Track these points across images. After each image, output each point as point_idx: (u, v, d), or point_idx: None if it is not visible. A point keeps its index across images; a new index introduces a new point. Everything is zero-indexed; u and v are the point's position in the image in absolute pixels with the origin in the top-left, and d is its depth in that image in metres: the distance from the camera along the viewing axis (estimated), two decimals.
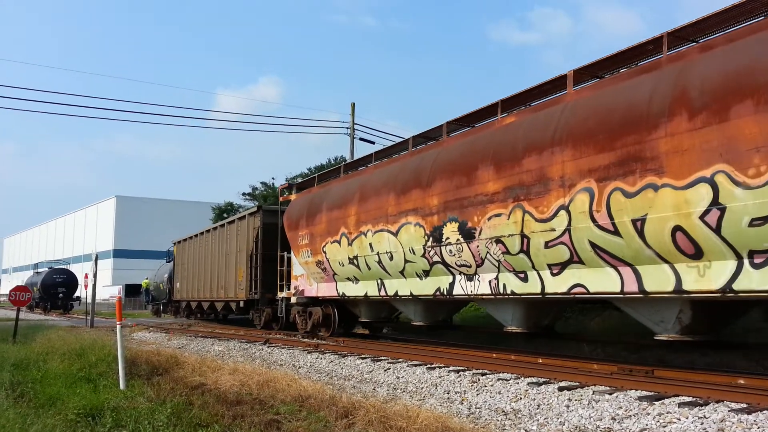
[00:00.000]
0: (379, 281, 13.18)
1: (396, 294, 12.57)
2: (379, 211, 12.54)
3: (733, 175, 6.63)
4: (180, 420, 6.14)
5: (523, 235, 9.22)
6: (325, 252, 14.63)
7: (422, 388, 8.89)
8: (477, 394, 8.11)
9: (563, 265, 8.90)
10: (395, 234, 12.07)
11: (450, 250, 10.77)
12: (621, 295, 8.24)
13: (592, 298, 8.88)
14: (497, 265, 9.93)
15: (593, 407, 6.86)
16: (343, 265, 14.03)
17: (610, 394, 7.31)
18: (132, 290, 55.50)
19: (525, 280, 9.64)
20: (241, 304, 20.20)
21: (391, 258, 12.31)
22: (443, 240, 10.82)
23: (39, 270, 61.73)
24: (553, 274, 9.07)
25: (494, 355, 10.94)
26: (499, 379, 8.69)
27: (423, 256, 11.43)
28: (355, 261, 13.54)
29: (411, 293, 12.09)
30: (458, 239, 10.48)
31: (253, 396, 7.53)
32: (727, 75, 6.86)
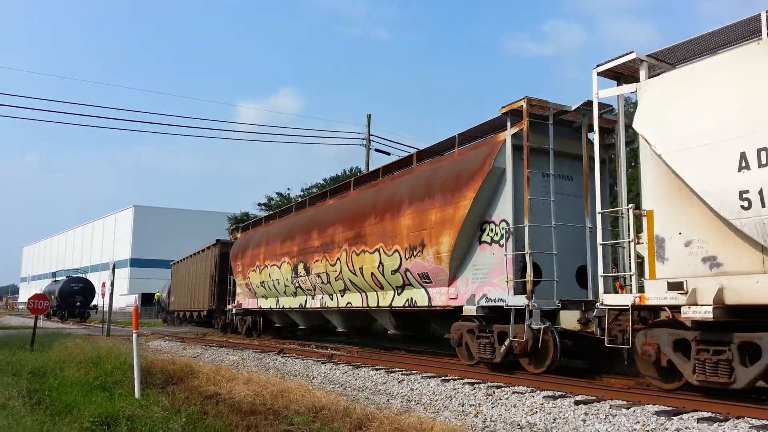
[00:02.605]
0: (276, 298, 19.63)
1: (284, 307, 19.09)
2: (273, 252, 19.10)
3: (385, 248, 13.08)
4: (194, 429, 6.25)
5: (327, 273, 15.66)
6: (249, 277, 21.16)
7: (436, 401, 8.96)
8: (492, 407, 8.15)
9: (343, 291, 15.36)
10: (279, 268, 18.54)
11: (302, 281, 17.20)
12: (362, 308, 14.59)
13: (354, 309, 15.09)
14: (321, 290, 16.42)
15: (610, 422, 6.85)
16: (258, 287, 20.57)
17: (627, 408, 7.33)
18: (148, 299, 56.96)
19: (332, 299, 15.97)
20: (205, 313, 27.48)
21: (278, 283, 18.86)
22: (299, 274, 17.28)
23: (57, 279, 63.02)
24: (341, 296, 15.52)
25: None
26: (514, 392, 8.78)
27: (291, 283, 17.94)
28: (263, 284, 20.07)
29: (290, 307, 18.58)
30: (304, 273, 16.92)
31: (267, 406, 7.66)
32: (387, 198, 13.37)
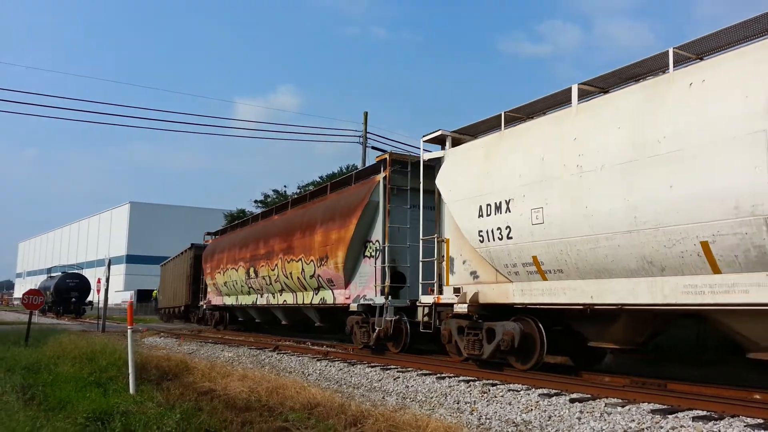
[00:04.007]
0: (236, 296, 24.40)
1: (241, 303, 23.84)
2: (233, 257, 23.89)
3: (305, 258, 17.66)
4: (189, 425, 6.49)
5: (269, 276, 20.32)
6: (216, 278, 26.11)
7: (432, 398, 9.38)
8: (487, 405, 8.54)
9: (281, 291, 20.06)
10: (237, 270, 23.34)
11: (253, 282, 21.93)
12: (294, 305, 19.14)
13: (289, 306, 19.63)
14: (267, 290, 21.07)
15: (605, 420, 7.23)
16: (223, 286, 25.47)
17: (623, 406, 7.73)
18: (144, 296, 60.09)
19: (274, 297, 20.68)
20: (183, 308, 32.90)
21: (237, 284, 23.65)
22: (250, 276, 22.01)
23: (53, 274, 65.51)
24: (280, 295, 20.21)
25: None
26: (509, 390, 9.25)
27: (246, 283, 22.64)
28: (226, 284, 24.95)
29: (246, 303, 23.30)
30: (254, 276, 21.63)
31: (262, 403, 7.93)
32: (308, 218, 18.07)
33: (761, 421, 6.77)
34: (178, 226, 79.29)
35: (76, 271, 59.45)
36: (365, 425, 6.45)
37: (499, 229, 10.41)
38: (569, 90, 9.98)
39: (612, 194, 8.51)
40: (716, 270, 7.51)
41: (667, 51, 8.51)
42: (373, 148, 33.13)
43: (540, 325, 10.44)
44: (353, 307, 15.25)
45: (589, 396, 8.53)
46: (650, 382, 9.14)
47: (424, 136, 12.89)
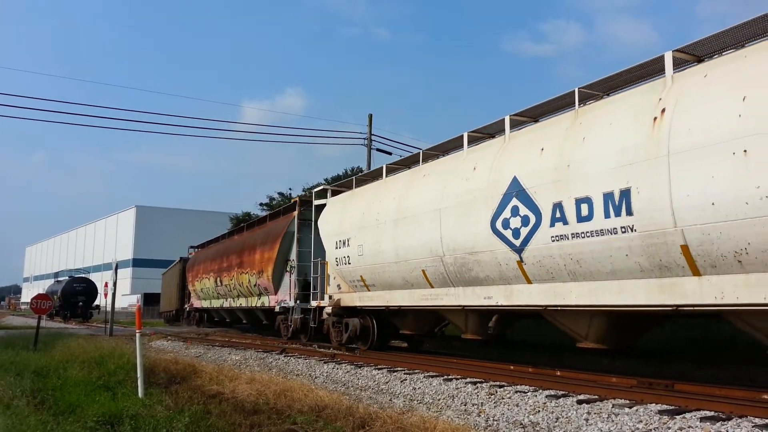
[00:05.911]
0: (210, 300, 32.30)
1: (213, 306, 31.74)
2: (207, 268, 31.73)
3: (251, 271, 25.35)
4: (198, 428, 6.95)
5: (229, 285, 28.19)
6: (194, 285, 34.18)
7: (439, 400, 10.04)
8: (495, 407, 9.12)
9: (237, 297, 27.92)
10: (209, 280, 31.06)
11: (220, 289, 29.68)
12: (247, 307, 26.87)
13: (244, 308, 27.15)
14: (229, 295, 28.88)
15: (613, 421, 7.68)
16: (200, 292, 33.47)
17: (630, 407, 8.28)
18: (150, 299, 65.13)
19: (234, 301, 28.47)
20: (174, 312, 41.02)
21: (209, 290, 31.49)
22: (218, 284, 29.71)
23: (60, 279, 72.73)
24: (237, 299, 28.02)
25: (512, 367, 12.70)
26: (516, 392, 9.95)
27: (215, 290, 30.48)
28: (202, 291, 32.92)
29: (216, 306, 31.14)
30: (220, 284, 29.36)
31: (270, 405, 8.51)
32: (253, 240, 26.22)
33: None
34: (185, 230, 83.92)
35: (83, 275, 65.03)
36: (373, 427, 6.85)
37: (344, 257, 17.39)
38: (381, 168, 16.93)
39: (389, 239, 15.43)
40: (432, 285, 14.40)
41: (418, 153, 15.47)
42: (378, 150, 36.25)
43: (373, 320, 17.46)
44: (277, 309, 22.50)
45: (596, 397, 9.15)
46: (657, 382, 9.75)
47: (315, 189, 20.09)
